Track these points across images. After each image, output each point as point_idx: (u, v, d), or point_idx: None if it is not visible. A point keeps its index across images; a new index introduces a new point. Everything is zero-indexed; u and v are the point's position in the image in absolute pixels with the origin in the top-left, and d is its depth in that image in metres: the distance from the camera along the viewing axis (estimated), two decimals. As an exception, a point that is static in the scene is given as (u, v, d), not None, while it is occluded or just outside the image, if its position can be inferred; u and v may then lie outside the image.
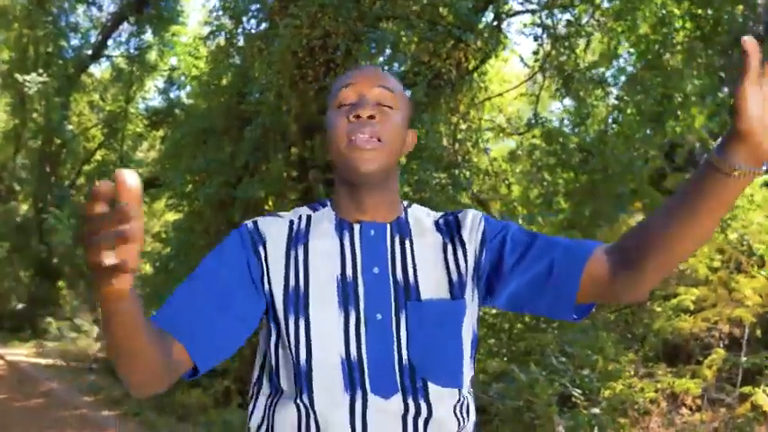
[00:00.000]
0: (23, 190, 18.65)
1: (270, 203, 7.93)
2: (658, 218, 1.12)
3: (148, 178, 17.26)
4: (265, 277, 1.23)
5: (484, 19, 8.46)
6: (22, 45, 17.55)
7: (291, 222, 1.29)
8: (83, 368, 10.61)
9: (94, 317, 13.61)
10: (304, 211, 1.33)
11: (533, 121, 8.17)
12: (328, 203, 1.33)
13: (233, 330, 1.20)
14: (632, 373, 5.50)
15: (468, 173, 7.91)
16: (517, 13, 8.87)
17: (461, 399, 1.21)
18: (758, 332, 5.57)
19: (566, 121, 9.10)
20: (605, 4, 8.67)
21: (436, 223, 1.32)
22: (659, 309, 6.24)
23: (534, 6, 8.60)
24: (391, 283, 1.22)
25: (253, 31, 8.43)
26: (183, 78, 14.34)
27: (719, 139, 1.00)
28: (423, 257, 1.25)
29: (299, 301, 1.20)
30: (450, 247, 1.28)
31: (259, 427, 1.25)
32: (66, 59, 17.88)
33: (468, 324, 1.24)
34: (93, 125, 19.24)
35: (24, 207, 18.35)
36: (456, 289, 1.24)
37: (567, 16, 8.51)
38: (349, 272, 1.22)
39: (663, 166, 8.03)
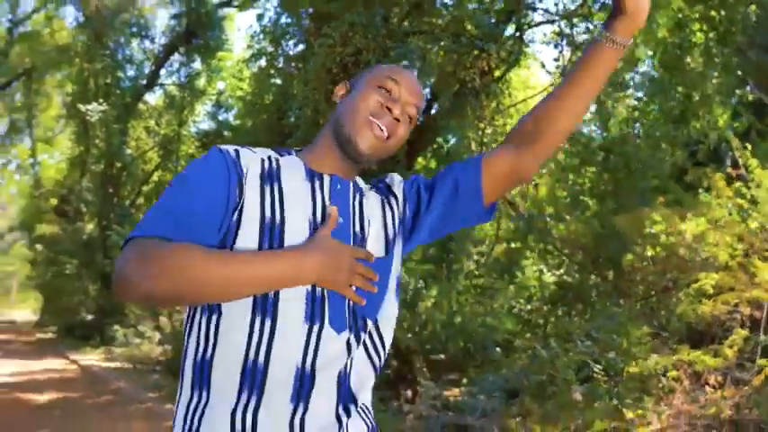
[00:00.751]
0: (89, 210, 19.01)
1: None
2: (554, 91, 1.41)
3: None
4: (238, 207, 1.25)
5: (507, 30, 8.61)
6: (84, 78, 17.97)
7: (263, 161, 1.32)
8: (147, 369, 10.91)
9: (155, 324, 13.94)
10: (272, 153, 1.36)
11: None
12: (293, 152, 1.40)
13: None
14: (656, 354, 5.52)
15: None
16: (539, 23, 8.98)
17: (375, 324, 1.34)
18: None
19: (589, 124, 9.12)
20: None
21: (373, 187, 1.48)
22: (683, 296, 6.25)
23: (554, 17, 8.70)
24: (350, 235, 1.32)
25: (291, 52, 8.68)
26: (229, 101, 14.68)
27: (606, 19, 1.34)
28: (371, 214, 1.38)
29: (273, 233, 1.24)
30: (386, 205, 1.44)
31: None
32: (123, 89, 18.29)
33: (394, 273, 1.39)
34: (149, 148, 19.64)
35: (90, 226, 18.66)
36: (390, 245, 1.39)
37: (587, 25, 8.59)
38: (318, 216, 1.29)
39: (684, 163, 7.99)
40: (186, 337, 1.30)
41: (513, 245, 9.11)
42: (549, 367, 4.30)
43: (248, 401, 1.20)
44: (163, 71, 19.69)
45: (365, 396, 1.34)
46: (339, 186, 1.35)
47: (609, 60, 1.36)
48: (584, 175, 8.29)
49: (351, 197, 1.37)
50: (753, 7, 7.89)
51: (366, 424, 1.33)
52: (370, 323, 1.32)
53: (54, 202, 20.82)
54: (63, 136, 22.94)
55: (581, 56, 1.40)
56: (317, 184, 1.33)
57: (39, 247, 21.26)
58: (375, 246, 1.36)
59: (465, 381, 7.06)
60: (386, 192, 1.46)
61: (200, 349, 1.25)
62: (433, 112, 8.04)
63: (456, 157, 7.83)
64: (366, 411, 1.35)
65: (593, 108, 8.97)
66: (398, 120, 1.33)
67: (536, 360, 4.67)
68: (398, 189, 1.46)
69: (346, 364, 1.27)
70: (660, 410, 4.75)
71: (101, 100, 16.71)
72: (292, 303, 1.22)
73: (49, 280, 20.81)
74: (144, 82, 19.35)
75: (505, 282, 9.14)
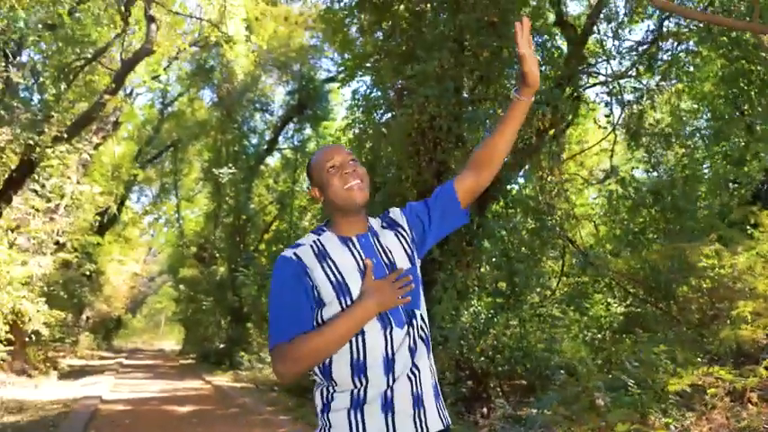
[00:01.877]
0: (221, 256, 20.03)
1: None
2: (491, 134, 1.87)
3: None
4: (316, 288, 1.73)
5: (565, 91, 8.82)
6: (217, 147, 19.40)
7: (311, 246, 1.79)
8: (267, 389, 11.50)
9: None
10: (313, 236, 1.84)
11: (611, 172, 8.35)
12: (325, 229, 1.86)
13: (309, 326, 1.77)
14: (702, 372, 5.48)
15: (557, 218, 8.17)
16: (593, 84, 9.16)
17: (421, 313, 1.83)
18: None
19: (640, 169, 9.13)
20: (669, 70, 8.77)
21: (382, 225, 1.92)
22: (728, 322, 6.16)
23: (606, 78, 8.87)
24: (384, 265, 1.80)
25: (380, 120, 9.23)
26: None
27: (516, 87, 1.85)
28: (390, 246, 1.86)
29: (342, 288, 1.73)
30: (399, 235, 1.89)
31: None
32: (248, 155, 19.48)
33: (419, 274, 1.88)
34: (269, 203, 20.68)
35: (222, 269, 19.63)
36: (411, 258, 1.87)
37: (635, 84, 8.71)
38: (361, 264, 1.77)
39: (730, 202, 7.87)
40: None
41: (579, 278, 9.13)
42: (585, 380, 4.46)
43: (358, 385, 1.72)
44: (280, 138, 20.86)
45: (426, 362, 1.82)
46: (363, 240, 1.84)
47: (521, 112, 1.85)
48: (637, 216, 8.29)
49: (373, 242, 1.84)
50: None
51: (431, 380, 1.83)
52: (417, 312, 1.81)
53: (194, 249, 22.20)
54: (201, 195, 24.62)
55: (505, 113, 1.89)
56: (349, 244, 1.81)
57: (182, 287, 22.61)
58: (403, 263, 1.84)
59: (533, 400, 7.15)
60: (393, 225, 1.92)
61: (322, 365, 1.76)
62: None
63: (522, 204, 8.05)
64: (432, 371, 1.85)
65: (644, 155, 9.02)
66: (353, 170, 1.80)
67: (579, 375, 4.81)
68: (402, 220, 1.93)
69: (410, 343, 1.76)
70: (699, 424, 4.75)
71: (230, 164, 17.96)
72: (371, 323, 1.74)
73: (189, 315, 22.06)
74: (265, 147, 20.51)
75: (576, 312, 9.16)
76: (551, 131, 8.11)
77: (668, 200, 7.65)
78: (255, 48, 16.42)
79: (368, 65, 9.81)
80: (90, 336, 22.84)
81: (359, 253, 1.80)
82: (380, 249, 1.84)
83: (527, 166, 8.05)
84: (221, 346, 18.52)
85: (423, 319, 1.83)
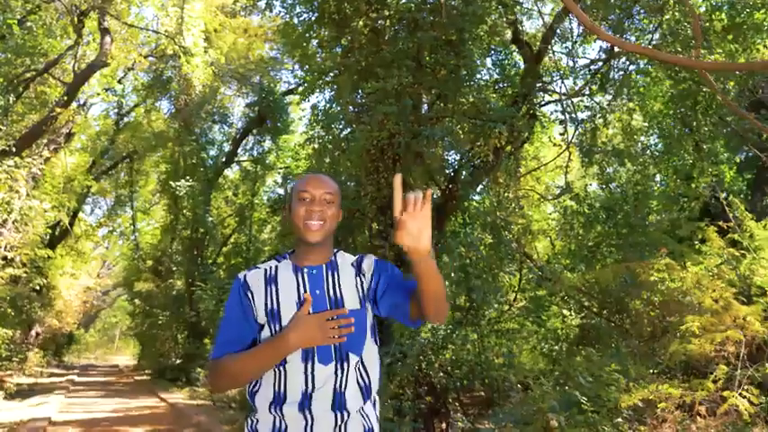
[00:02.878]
0: (178, 270, 19.55)
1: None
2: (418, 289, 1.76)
3: (272, 253, 18.28)
4: (254, 310, 1.81)
5: (520, 109, 8.98)
6: (175, 159, 18.95)
7: (266, 270, 1.87)
8: (224, 406, 11.27)
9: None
10: (273, 262, 1.91)
11: (565, 188, 8.51)
12: (288, 256, 1.93)
13: (249, 342, 1.84)
14: (651, 389, 5.61)
15: (513, 234, 8.28)
16: (547, 102, 9.35)
17: (360, 360, 1.82)
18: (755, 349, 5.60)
19: (593, 186, 9.34)
20: (620, 89, 9.01)
21: (352, 263, 1.92)
22: (677, 335, 6.32)
23: (561, 96, 9.06)
24: (326, 299, 1.83)
25: (339, 135, 9.22)
26: (292, 175, 15.30)
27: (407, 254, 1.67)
28: (345, 283, 1.87)
29: (274, 315, 1.79)
30: (358, 278, 1.89)
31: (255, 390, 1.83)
32: (206, 167, 19.09)
33: (368, 319, 1.87)
34: (228, 215, 20.36)
35: (179, 283, 19.21)
36: (362, 300, 1.87)
37: (589, 102, 8.92)
38: (302, 295, 1.81)
39: (679, 218, 8.10)
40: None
41: (536, 293, 9.25)
42: (540, 400, 4.51)
43: (276, 415, 1.75)
44: (239, 150, 20.59)
45: (365, 406, 1.82)
46: (314, 272, 1.86)
47: (424, 271, 1.64)
48: (591, 231, 8.46)
49: (324, 276, 1.86)
50: (731, 83, 8.10)
51: (363, 424, 1.81)
52: (351, 356, 1.79)
53: (150, 262, 21.66)
54: (157, 207, 24.10)
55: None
56: (299, 275, 1.85)
57: (137, 301, 22.05)
58: (352, 302, 1.84)
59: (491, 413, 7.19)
60: (359, 267, 1.91)
61: (250, 387, 1.84)
62: (457, 181, 8.40)
63: (479, 219, 8.12)
64: (364, 415, 1.82)
65: (597, 171, 9.24)
66: (320, 209, 1.81)
67: (533, 396, 4.86)
68: (368, 268, 1.91)
69: (338, 383, 1.76)
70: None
71: (188, 177, 17.57)
72: (294, 353, 1.76)
73: (145, 330, 21.49)
74: (224, 160, 20.22)
75: (533, 325, 9.28)
76: (508, 148, 8.22)
77: (620, 216, 7.83)
78: (214, 60, 16.21)
79: (327, 79, 9.78)
80: (40, 352, 22.01)
81: (304, 284, 1.84)
82: (331, 284, 1.84)
83: (485, 182, 8.12)
84: (178, 361, 18.09)
85: (362, 365, 1.83)
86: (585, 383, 5.45)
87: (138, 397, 14.07)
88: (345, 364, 1.77)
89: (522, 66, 9.70)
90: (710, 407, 5.35)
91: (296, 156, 12.43)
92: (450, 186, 8.42)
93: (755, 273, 6.42)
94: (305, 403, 1.73)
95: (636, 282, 7.51)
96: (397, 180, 1.57)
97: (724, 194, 8.78)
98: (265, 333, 1.79)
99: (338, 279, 1.87)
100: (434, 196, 8.44)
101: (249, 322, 1.82)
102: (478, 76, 8.58)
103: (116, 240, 29.15)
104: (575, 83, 8.77)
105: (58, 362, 28.04)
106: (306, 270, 1.85)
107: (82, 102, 16.79)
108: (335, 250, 1.97)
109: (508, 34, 10.03)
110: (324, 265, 1.87)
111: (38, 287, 16.96)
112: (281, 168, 19.37)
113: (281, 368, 1.75)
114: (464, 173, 7.31)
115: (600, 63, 8.94)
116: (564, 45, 9.42)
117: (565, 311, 9.29)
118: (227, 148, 20.55)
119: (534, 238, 8.79)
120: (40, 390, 14.75)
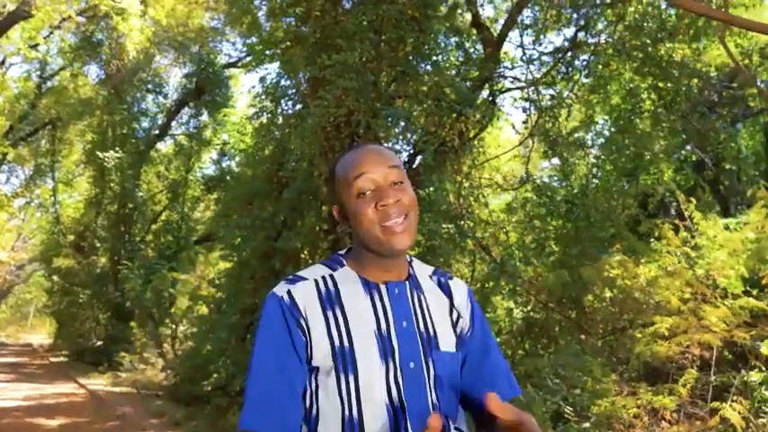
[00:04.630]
0: (102, 246, 18.56)
1: (305, 253, 7.96)
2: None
3: (205, 234, 17.43)
4: (309, 346, 1.18)
5: (481, 95, 8.60)
6: (103, 128, 17.74)
7: (317, 282, 1.24)
8: (151, 394, 10.50)
9: (159, 351, 13.52)
10: (324, 270, 1.27)
11: (525, 179, 8.21)
12: (345, 262, 1.29)
13: (300, 404, 1.19)
14: (617, 391, 5.38)
15: (471, 223, 7.91)
16: (508, 89, 8.99)
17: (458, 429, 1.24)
18: (726, 354, 5.45)
19: (553, 178, 9.10)
20: (582, 80, 8.79)
21: (435, 281, 1.33)
22: (639, 335, 6.13)
23: (522, 84, 8.73)
24: (417, 336, 1.21)
25: (289, 111, 8.57)
26: (232, 151, 14.53)
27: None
28: (435, 312, 1.27)
29: (345, 357, 1.16)
30: (454, 311, 1.30)
31: None
32: (137, 139, 18.03)
33: (458, 372, 1.27)
34: (159, 191, 19.30)
35: (103, 260, 18.20)
36: (457, 343, 1.28)
37: (551, 91, 8.64)
38: (383, 327, 1.19)
39: (638, 214, 7.96)
40: None
41: (486, 285, 8.95)
42: (529, 408, 4.11)
43: None
44: (174, 123, 19.53)
45: None
46: (396, 291, 1.24)
47: None
48: (550, 224, 8.21)
49: (409, 298, 1.25)
50: (694, 81, 7.99)
51: None
52: (453, 425, 1.21)
53: (71, 237, 20.31)
54: (82, 179, 22.55)
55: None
56: (375, 296, 1.22)
57: (55, 278, 20.66)
58: (447, 341, 1.24)
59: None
60: (449, 295, 1.31)
61: None
62: (415, 166, 7.94)
63: (436, 206, 7.68)
64: None
65: (556, 162, 9.00)
66: (396, 199, 1.19)
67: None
68: (463, 307, 1.31)
69: None
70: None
71: (117, 148, 16.58)
72: (377, 414, 1.15)
73: (63, 308, 20.23)
74: (156, 132, 19.11)
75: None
76: (471, 133, 7.82)
77: (579, 209, 7.59)
78: (151, 23, 15.04)
79: (278, 51, 9.05)
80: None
81: (384, 309, 1.21)
82: (419, 311, 1.23)
83: (447, 168, 7.69)
84: (99, 343, 17.00)
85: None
86: (553, 386, 5.13)
87: (54, 382, 12.95)
88: None
89: (483, 50, 9.31)
90: (676, 411, 5.15)
91: (240, 130, 11.61)
92: (408, 170, 7.94)
93: (716, 272, 6.28)
94: None
95: (592, 277, 7.29)
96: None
97: (665, 192, 8.78)
98: (330, 380, 1.16)
99: (427, 305, 1.26)
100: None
101: (302, 366, 1.18)
102: (442, 56, 8.11)
103: (34, 212, 27.26)
104: (539, 70, 8.44)
105: (-36, 340, 25.95)
106: (385, 289, 1.23)
107: (0, 59, 15.23)
108: (408, 258, 1.34)
109: (468, 17, 9.62)
110: (407, 283, 1.26)
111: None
112: (217, 144, 18.49)
113: None
114: (425, 157, 6.82)
115: (563, 53, 8.63)
116: (525, 31, 9.06)
117: (512, 304, 9.05)
118: (160, 120, 19.37)
119: (491, 229, 8.44)
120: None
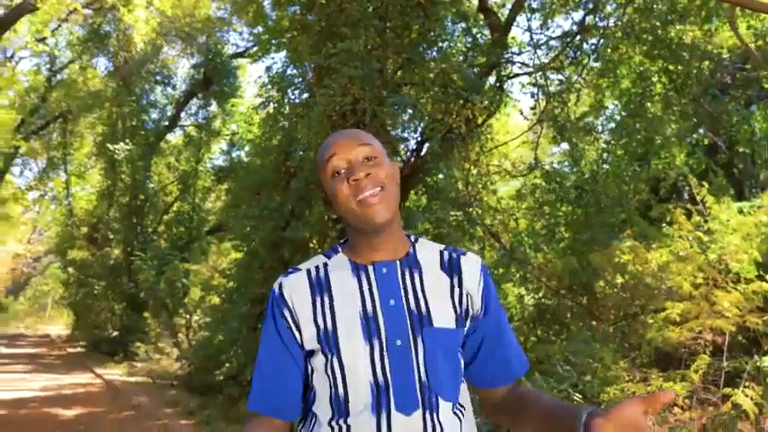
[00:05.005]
0: (115, 238, 18.63)
1: (314, 242, 7.94)
2: (527, 413, 1.27)
3: (216, 224, 17.49)
4: (297, 334, 1.24)
5: (489, 81, 8.49)
6: (113, 120, 17.76)
7: (309, 272, 1.28)
8: (165, 384, 10.60)
9: (174, 341, 13.62)
10: (320, 259, 1.31)
11: (534, 165, 8.13)
12: (340, 249, 1.32)
13: (299, 387, 1.27)
14: (628, 378, 5.33)
15: (480, 210, 7.85)
16: (516, 75, 8.88)
17: (456, 408, 1.22)
18: (739, 339, 5.39)
19: (563, 163, 9.00)
20: (591, 64, 8.66)
21: (441, 260, 1.30)
22: (651, 321, 6.07)
23: (530, 69, 8.62)
24: (406, 313, 1.20)
25: (296, 100, 8.52)
26: (241, 141, 14.51)
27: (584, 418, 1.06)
28: (432, 289, 1.24)
29: (329, 340, 1.19)
30: (456, 289, 1.27)
31: None
32: (147, 130, 18.04)
33: (459, 348, 1.27)
34: (170, 182, 19.34)
35: (116, 252, 18.28)
36: (459, 320, 1.25)
37: (559, 76, 8.52)
38: (369, 307, 1.21)
39: (649, 199, 7.86)
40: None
41: (496, 272, 8.91)
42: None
43: None
44: (183, 114, 19.53)
45: None
46: (384, 270, 1.25)
47: None
48: (560, 210, 8.13)
49: (399, 277, 1.24)
50: (706, 63, 7.84)
51: None
52: (445, 403, 1.19)
53: (85, 229, 20.45)
54: (93, 171, 22.66)
55: (551, 414, 1.20)
56: (363, 277, 1.25)
57: (71, 269, 20.84)
58: (442, 318, 1.22)
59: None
60: (457, 272, 1.29)
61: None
62: (423, 153, 7.88)
63: (444, 194, 7.63)
64: None
65: (566, 148, 8.89)
66: (366, 173, 1.21)
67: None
68: (473, 285, 1.29)
69: None
70: None
71: (127, 140, 16.62)
72: (361, 397, 1.18)
73: (79, 299, 20.39)
74: (166, 123, 19.10)
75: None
76: (479, 120, 7.74)
77: (590, 195, 7.50)
78: (157, 14, 14.99)
79: (284, 40, 8.99)
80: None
81: (370, 289, 1.23)
82: (411, 289, 1.23)
83: (455, 155, 7.62)
84: (114, 333, 17.18)
85: (459, 412, 1.23)
86: (563, 372, 5.10)
87: (71, 372, 13.13)
88: (434, 414, 1.17)
89: (490, 36, 9.19)
90: (688, 397, 5.10)
91: (248, 120, 11.59)
92: (415, 158, 7.88)
93: (728, 257, 6.19)
94: None
95: (603, 263, 7.23)
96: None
97: (677, 176, 8.64)
98: (319, 361, 1.21)
99: (421, 283, 1.25)
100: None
101: (294, 356, 1.25)
102: (448, 42, 8.01)
103: (48, 205, 27.49)
104: (547, 55, 8.32)
105: (-16, 331, 26.31)
106: (372, 268, 1.25)
107: (9, 54, 15.28)
108: (411, 236, 1.34)
109: (475, 2, 9.49)
110: (398, 262, 1.26)
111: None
112: (227, 135, 18.49)
113: (344, 423, 1.17)
114: (433, 144, 6.76)
115: (571, 37, 8.50)
116: (533, 15, 8.93)
117: (522, 291, 9.01)
118: (169, 111, 19.36)
119: (501, 216, 8.37)
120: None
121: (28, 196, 24.65)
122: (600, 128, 8.84)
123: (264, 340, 1.28)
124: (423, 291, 1.24)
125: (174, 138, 20.79)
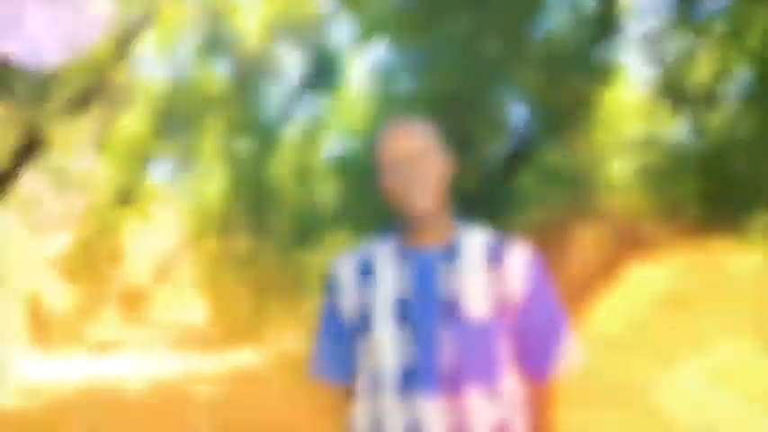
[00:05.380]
0: (243, 230, 19.63)
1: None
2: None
3: (333, 215, 17.91)
4: (343, 313, 1.36)
5: (598, 52, 8.07)
6: (232, 120, 18.69)
7: (362, 254, 1.38)
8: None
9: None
10: (378, 243, 1.40)
11: (649, 139, 7.65)
12: (396, 234, 1.39)
13: (342, 359, 1.41)
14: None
15: (589, 190, 7.54)
16: (627, 44, 8.36)
17: (491, 396, 1.23)
18: None
19: (684, 135, 8.38)
20: (716, 27, 7.96)
21: (485, 249, 1.32)
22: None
23: (644, 36, 8.08)
24: (439, 301, 1.25)
25: (400, 90, 8.54)
26: (350, 133, 14.72)
27: None
28: (469, 278, 1.27)
29: (363, 324, 1.30)
30: (495, 279, 1.29)
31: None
32: (265, 126, 18.81)
33: (501, 338, 1.27)
34: (287, 175, 20.03)
35: (244, 244, 19.28)
36: (497, 309, 1.27)
37: (678, 42, 7.92)
38: (404, 292, 1.27)
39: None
40: None
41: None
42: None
43: None
44: (297, 109, 20.01)
45: None
46: (423, 256, 1.31)
47: None
48: (682, 185, 7.60)
49: (437, 264, 1.29)
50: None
51: None
52: (474, 389, 1.23)
53: (214, 223, 21.66)
54: (219, 169, 24.00)
55: None
56: (403, 263, 1.31)
57: (205, 260, 22.12)
58: (477, 306, 1.25)
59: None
60: (499, 263, 1.32)
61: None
62: (531, 132, 7.69)
63: (554, 174, 7.40)
64: None
65: (684, 119, 8.26)
66: (417, 170, 1.29)
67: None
68: (518, 272, 1.31)
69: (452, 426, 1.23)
70: None
71: (248, 137, 17.39)
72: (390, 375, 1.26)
73: (215, 289, 21.65)
74: (282, 119, 19.69)
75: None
76: (587, 95, 7.42)
77: (714, 168, 6.95)
78: (268, 15, 15.62)
79: (387, 30, 9.08)
80: (118, 308, 22.60)
81: (407, 275, 1.29)
82: (446, 278, 1.27)
83: (563, 134, 7.37)
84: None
85: (495, 395, 1.25)
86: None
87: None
88: (462, 400, 1.20)
89: (596, 3, 8.72)
90: None
91: (356, 112, 11.83)
92: (520, 140, 7.71)
93: None
94: None
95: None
96: None
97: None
98: (359, 342, 1.35)
99: (460, 269, 1.29)
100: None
101: (344, 329, 1.39)
102: (553, 14, 7.71)
103: (180, 201, 29.54)
104: (659, 20, 7.76)
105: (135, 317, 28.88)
106: (413, 253, 1.31)
107: (137, 63, 16.61)
108: (460, 224, 1.38)
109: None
110: (439, 248, 1.32)
111: (112, 247, 17.20)
112: (340, 128, 18.88)
113: (374, 402, 1.27)
114: (538, 124, 6.57)
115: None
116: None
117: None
118: (283, 107, 20.04)
119: (614, 194, 7.98)
120: (119, 346, 15.01)
121: (163, 194, 26.68)
122: (727, 96, 8.10)
123: (321, 323, 1.42)
124: (460, 279, 1.27)
125: (291, 132, 21.52)
